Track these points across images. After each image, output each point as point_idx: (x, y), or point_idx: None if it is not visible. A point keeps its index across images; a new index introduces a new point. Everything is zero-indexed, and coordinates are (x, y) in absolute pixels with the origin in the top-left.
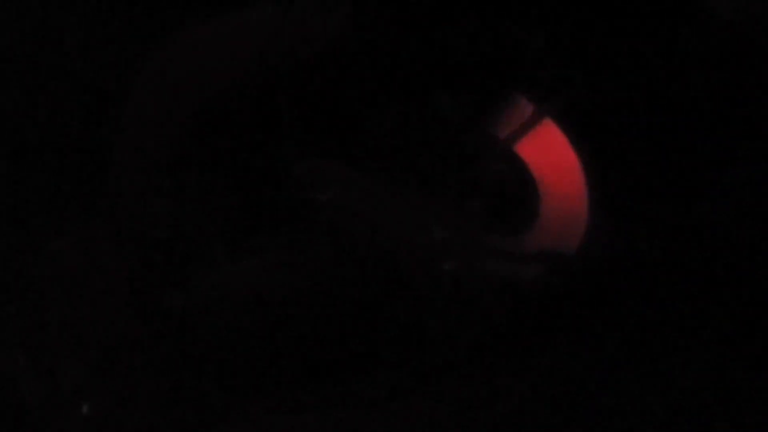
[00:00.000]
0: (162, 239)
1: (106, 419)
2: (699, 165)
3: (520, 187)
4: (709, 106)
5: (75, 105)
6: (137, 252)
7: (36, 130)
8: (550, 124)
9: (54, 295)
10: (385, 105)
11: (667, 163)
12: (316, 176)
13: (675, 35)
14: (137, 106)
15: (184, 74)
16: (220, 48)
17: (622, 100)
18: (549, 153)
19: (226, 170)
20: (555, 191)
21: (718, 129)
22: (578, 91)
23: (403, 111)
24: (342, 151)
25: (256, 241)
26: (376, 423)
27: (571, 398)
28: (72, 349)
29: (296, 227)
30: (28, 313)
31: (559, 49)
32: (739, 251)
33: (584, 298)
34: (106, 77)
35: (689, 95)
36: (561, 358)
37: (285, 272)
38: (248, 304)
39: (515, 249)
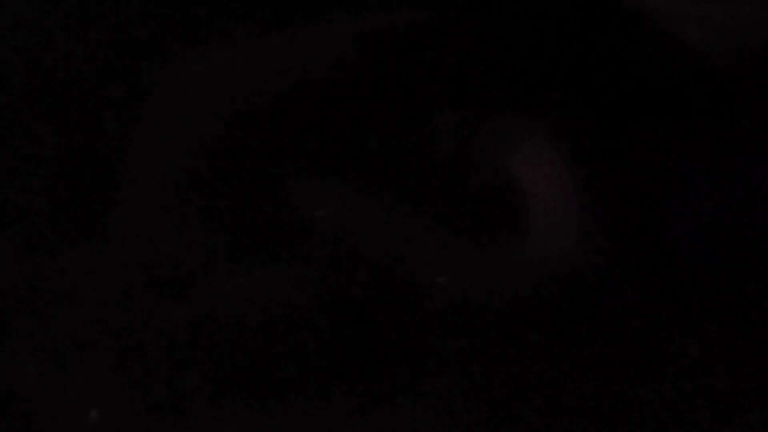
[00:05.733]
0: (167, 254)
1: (114, 424)
2: (686, 177)
3: (511, 202)
4: (690, 120)
5: (88, 125)
6: (144, 266)
7: (48, 146)
8: (540, 141)
9: (64, 306)
10: (381, 125)
11: (654, 174)
12: (314, 194)
13: (652, 58)
14: (147, 127)
15: (192, 100)
16: (227, 76)
17: (608, 118)
18: (539, 168)
19: (230, 189)
20: (545, 205)
21: (700, 141)
22: (567, 110)
23: (399, 131)
24: (339, 171)
25: (258, 256)
26: (374, 425)
27: (562, 403)
28: (81, 358)
29: (296, 243)
30: (39, 323)
31: (550, 73)
32: (730, 257)
33: (575, 306)
34: (118, 99)
35: (672, 111)
36: (552, 365)
37: (284, 285)
38: (249, 315)
39: (507, 261)
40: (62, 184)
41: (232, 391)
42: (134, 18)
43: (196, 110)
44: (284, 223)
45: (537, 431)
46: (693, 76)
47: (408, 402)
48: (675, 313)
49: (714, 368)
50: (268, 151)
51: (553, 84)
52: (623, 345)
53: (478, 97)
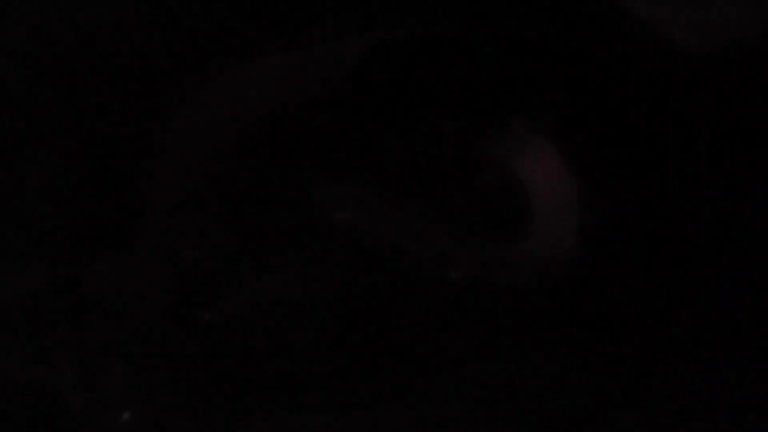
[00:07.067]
0: (195, 259)
1: (145, 424)
2: (686, 176)
3: (515, 201)
4: (680, 119)
5: (117, 137)
6: (172, 271)
7: (79, 156)
8: (541, 142)
9: (98, 314)
10: (393, 133)
11: (653, 173)
12: (333, 199)
13: (641, 61)
14: (173, 139)
15: (216, 108)
16: (248, 89)
17: (606, 119)
18: (541, 168)
19: (253, 196)
20: (548, 203)
21: (699, 140)
22: (566, 113)
23: (410, 137)
24: (355, 176)
25: (280, 259)
26: (387, 421)
27: (570, 399)
28: (114, 362)
29: (317, 245)
30: (76, 331)
31: (549, 79)
32: (731, 255)
33: (580, 299)
34: (145, 112)
35: (663, 110)
36: (558, 359)
37: (306, 285)
38: (272, 316)
39: (513, 257)
40: (94, 197)
41: (258, 390)
42: (161, 34)
43: (219, 121)
44: (306, 227)
45: (544, 427)
46: (679, 76)
47: (424, 397)
48: (676, 311)
49: (716, 367)
50: (288, 161)
51: (552, 89)
52: (625, 341)
53: (483, 103)
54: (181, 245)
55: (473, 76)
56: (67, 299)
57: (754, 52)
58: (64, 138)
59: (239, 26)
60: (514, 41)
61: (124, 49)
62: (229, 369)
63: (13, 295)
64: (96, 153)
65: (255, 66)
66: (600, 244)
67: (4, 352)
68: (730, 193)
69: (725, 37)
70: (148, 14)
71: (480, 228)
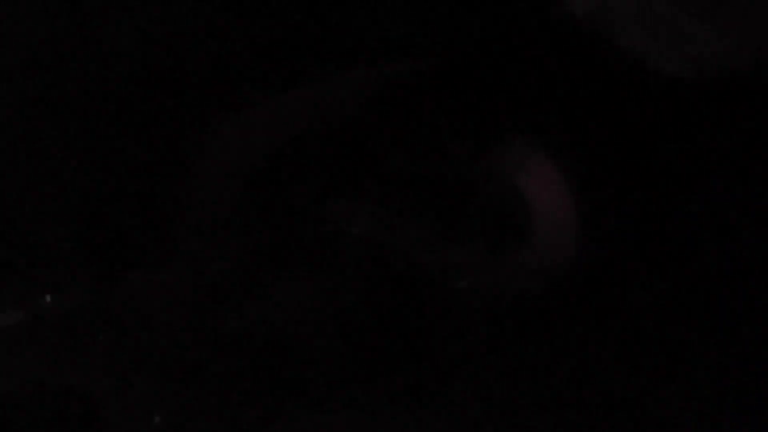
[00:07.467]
0: (220, 272)
1: (175, 428)
2: (684, 184)
3: (517, 213)
4: (673, 135)
5: (152, 158)
6: (199, 283)
7: (115, 176)
8: (541, 158)
9: (132, 322)
10: (404, 153)
11: (646, 183)
12: (346, 213)
13: (639, 90)
14: (203, 162)
15: (247, 133)
16: (276, 115)
17: (602, 135)
18: (542, 182)
19: (276, 213)
20: (548, 213)
21: (694, 151)
22: (564, 131)
23: (420, 156)
24: (369, 193)
25: (300, 270)
26: (396, 422)
27: (571, 403)
28: (145, 368)
29: (332, 256)
30: (112, 338)
31: (547, 101)
32: (729, 259)
33: (578, 306)
34: (179, 135)
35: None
36: (559, 363)
37: (323, 295)
38: (292, 324)
39: (517, 266)
40: (129, 215)
41: (277, 394)
42: (198, 66)
43: (250, 145)
44: (323, 241)
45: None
46: (667, 101)
47: (432, 399)
48: (676, 315)
49: (717, 368)
50: (308, 181)
51: (550, 110)
52: (625, 345)
53: (486, 124)
54: (208, 259)
55: (477, 99)
56: (104, 310)
57: (739, 82)
58: (101, 157)
59: (267, 60)
60: (514, 68)
61: (160, 73)
62: (251, 374)
63: (52, 306)
64: (131, 173)
65: (284, 96)
66: (599, 251)
67: (40, 359)
68: (719, 207)
69: (711, 67)
70: (185, 41)
71: (485, 239)
